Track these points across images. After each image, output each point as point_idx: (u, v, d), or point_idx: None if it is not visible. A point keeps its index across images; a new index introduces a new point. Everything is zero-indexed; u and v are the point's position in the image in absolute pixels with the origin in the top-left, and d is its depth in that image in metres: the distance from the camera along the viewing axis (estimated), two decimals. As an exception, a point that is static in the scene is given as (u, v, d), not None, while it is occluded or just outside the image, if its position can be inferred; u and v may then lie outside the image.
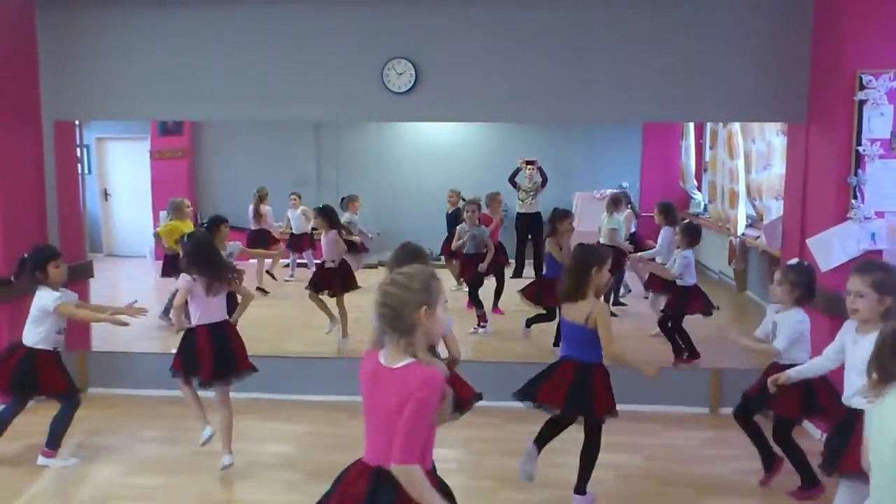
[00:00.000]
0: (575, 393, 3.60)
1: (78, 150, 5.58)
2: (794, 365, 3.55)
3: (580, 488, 3.68)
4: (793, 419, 3.70)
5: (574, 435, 4.49)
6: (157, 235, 6.49)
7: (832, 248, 4.27)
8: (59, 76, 4.99)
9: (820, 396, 3.53)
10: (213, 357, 3.91)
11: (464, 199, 8.25)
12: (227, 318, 4.06)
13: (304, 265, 8.82)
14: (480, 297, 6.64)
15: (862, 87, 4.18)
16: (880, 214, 4.25)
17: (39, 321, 3.99)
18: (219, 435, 4.00)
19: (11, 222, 4.76)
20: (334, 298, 6.00)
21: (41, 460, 4.03)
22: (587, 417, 3.66)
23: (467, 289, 6.87)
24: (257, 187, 8.78)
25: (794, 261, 3.83)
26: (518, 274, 9.33)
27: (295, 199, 9.06)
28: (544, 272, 6.07)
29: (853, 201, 4.24)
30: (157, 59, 4.93)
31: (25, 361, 3.98)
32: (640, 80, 4.67)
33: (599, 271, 3.57)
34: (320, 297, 5.98)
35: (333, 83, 4.84)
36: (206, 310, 3.94)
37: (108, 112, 5.16)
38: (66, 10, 4.94)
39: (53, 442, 4.05)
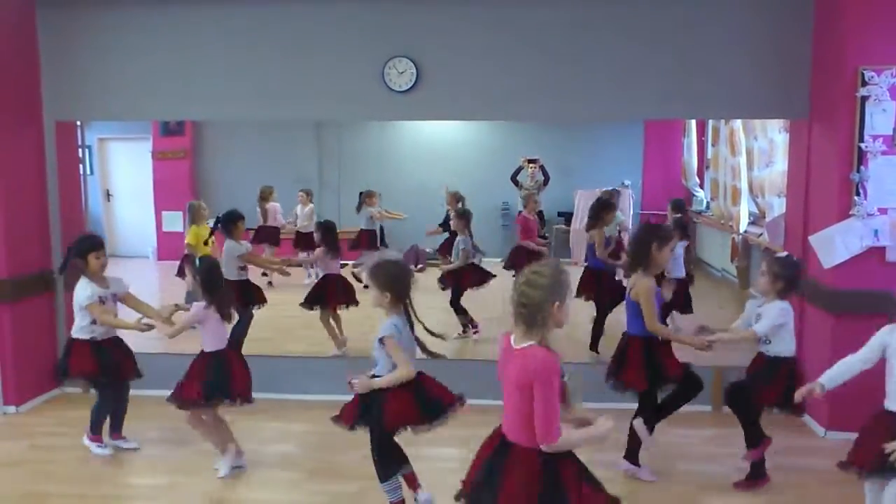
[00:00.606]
0: (614, 360, 3.87)
1: (80, 150, 5.58)
2: (779, 357, 3.61)
3: (627, 454, 3.88)
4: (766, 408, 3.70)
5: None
6: (189, 246, 6.42)
7: (835, 245, 4.26)
8: (60, 76, 4.99)
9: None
10: (247, 375, 3.99)
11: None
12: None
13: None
14: (463, 306, 6.33)
15: (864, 84, 4.17)
16: (883, 211, 4.23)
17: (76, 311, 4.11)
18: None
19: (13, 223, 4.76)
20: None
21: (84, 440, 4.20)
22: (619, 385, 3.84)
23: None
24: (260, 187, 8.77)
25: (782, 253, 3.83)
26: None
27: (303, 196, 9.02)
28: (588, 262, 5.98)
29: (856, 198, 4.23)
30: (158, 59, 4.92)
31: (65, 350, 4.17)
32: (642, 78, 4.66)
33: (660, 249, 3.70)
34: (329, 318, 5.86)
35: (334, 82, 4.84)
36: (222, 334, 3.95)
37: (110, 112, 5.16)
38: (67, 11, 4.94)
39: (92, 427, 4.18)
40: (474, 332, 6.27)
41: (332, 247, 5.84)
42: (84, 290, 4.04)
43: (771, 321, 3.58)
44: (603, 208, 5.86)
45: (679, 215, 6.37)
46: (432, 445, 4.30)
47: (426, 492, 3.50)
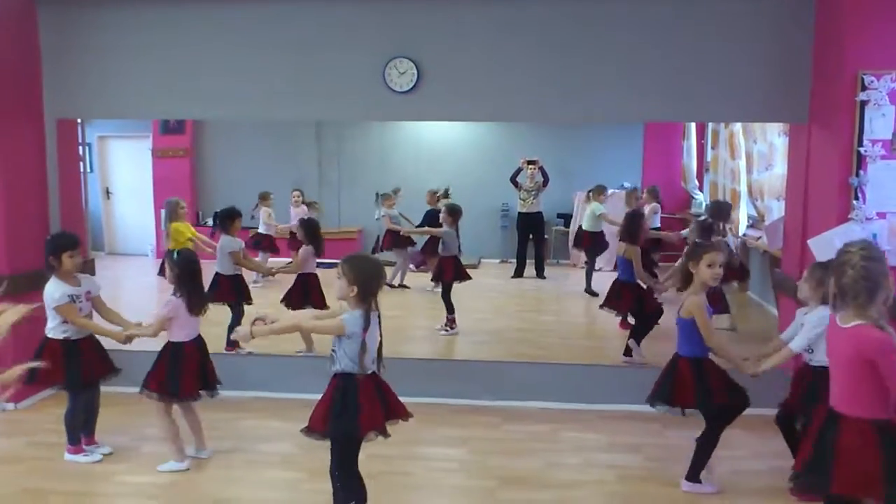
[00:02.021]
0: (663, 382, 3.81)
1: (80, 148, 5.58)
2: (824, 367, 3.50)
3: (689, 474, 3.81)
4: None
5: (572, 435, 4.51)
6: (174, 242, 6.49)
7: (833, 248, 4.24)
8: (61, 74, 5.00)
9: None
10: (198, 370, 3.98)
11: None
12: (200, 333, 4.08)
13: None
14: (452, 301, 6.45)
15: (863, 88, 4.18)
16: (882, 215, 4.25)
17: (47, 311, 3.96)
18: (191, 438, 4.10)
19: (14, 220, 4.76)
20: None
21: (66, 456, 4.09)
22: (671, 406, 3.77)
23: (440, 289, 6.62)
24: (260, 192, 8.87)
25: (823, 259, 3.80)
26: (519, 274, 9.34)
27: (297, 196, 9.05)
28: (620, 276, 5.86)
29: (854, 202, 4.24)
30: (159, 57, 4.93)
31: (38, 350, 3.99)
32: (642, 80, 4.67)
33: (695, 265, 3.71)
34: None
35: (335, 82, 4.84)
36: (191, 326, 3.98)
37: (111, 111, 5.16)
38: (68, 9, 4.94)
39: (69, 437, 4.09)
40: (444, 328, 6.34)
41: (318, 245, 5.83)
42: (55, 291, 3.92)
43: (807, 333, 3.53)
44: (636, 220, 5.79)
45: (704, 218, 6.29)
46: (429, 446, 4.32)
47: None
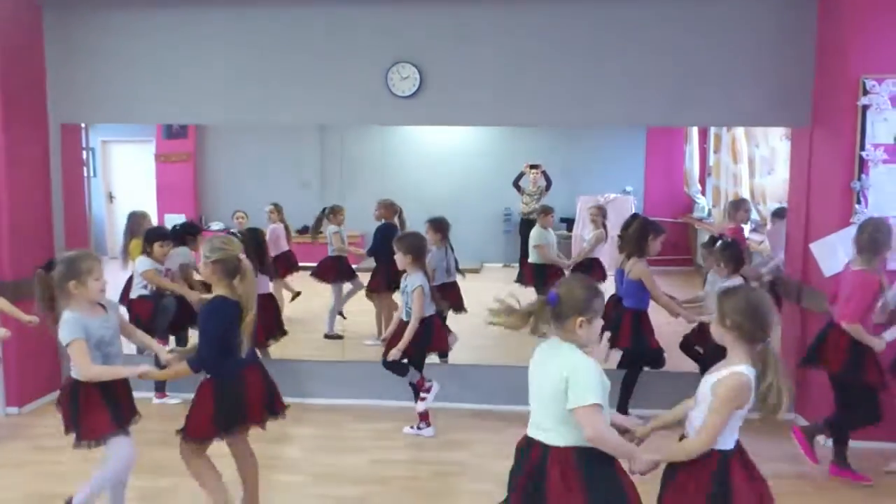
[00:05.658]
0: (611, 329, 4.64)
1: (83, 152, 5.61)
2: None
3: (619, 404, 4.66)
4: None
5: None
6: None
7: (836, 252, 4.28)
8: (65, 79, 5.03)
9: None
10: (270, 317, 5.26)
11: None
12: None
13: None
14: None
15: (865, 92, 4.20)
16: (884, 219, 4.25)
17: (138, 279, 5.01)
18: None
19: (18, 224, 4.79)
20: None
21: (155, 401, 5.07)
22: (619, 348, 4.67)
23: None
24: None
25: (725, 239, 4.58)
26: (521, 280, 9.34)
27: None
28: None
29: (857, 206, 4.25)
30: (162, 62, 4.96)
31: (160, 308, 4.94)
32: (646, 85, 4.69)
33: (655, 239, 4.57)
34: None
35: (338, 87, 4.87)
36: (259, 287, 4.55)
37: (114, 115, 5.19)
38: (73, 14, 4.97)
39: (158, 384, 5.04)
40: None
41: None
42: (144, 261, 4.95)
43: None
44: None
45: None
46: (434, 450, 4.33)
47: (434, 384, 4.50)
